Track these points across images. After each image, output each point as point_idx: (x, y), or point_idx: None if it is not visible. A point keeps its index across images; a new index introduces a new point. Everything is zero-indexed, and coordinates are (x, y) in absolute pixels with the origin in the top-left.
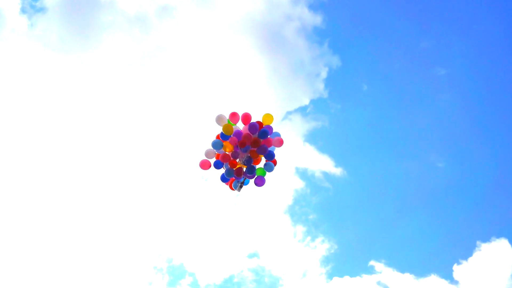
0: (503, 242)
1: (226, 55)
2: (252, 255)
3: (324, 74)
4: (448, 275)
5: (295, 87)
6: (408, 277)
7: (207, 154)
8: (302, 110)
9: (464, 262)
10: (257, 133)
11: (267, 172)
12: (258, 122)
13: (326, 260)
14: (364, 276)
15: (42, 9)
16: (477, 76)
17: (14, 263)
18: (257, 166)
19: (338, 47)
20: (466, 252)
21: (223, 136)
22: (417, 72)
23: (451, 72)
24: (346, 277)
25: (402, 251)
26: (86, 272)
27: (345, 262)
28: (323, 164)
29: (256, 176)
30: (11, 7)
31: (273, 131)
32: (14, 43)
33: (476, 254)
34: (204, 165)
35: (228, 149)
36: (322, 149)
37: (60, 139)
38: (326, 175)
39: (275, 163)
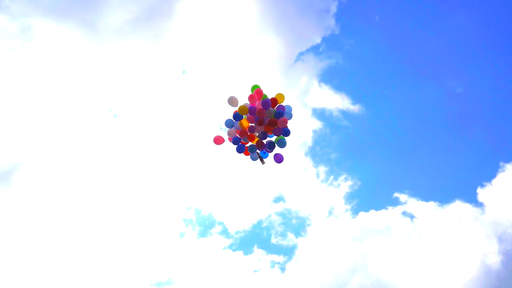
0: None
1: (230, 0)
2: (278, 199)
3: (333, 8)
4: (472, 199)
5: (305, 26)
6: (432, 205)
7: (230, 133)
8: (314, 49)
9: (487, 184)
10: (273, 112)
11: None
12: (272, 99)
13: (350, 197)
14: (389, 208)
15: None
16: None
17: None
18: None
19: None
20: (490, 174)
21: (237, 117)
22: None
23: None
24: (372, 211)
25: (424, 180)
26: (118, 229)
27: (369, 197)
28: (340, 102)
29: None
30: None
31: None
32: (17, 11)
33: (500, 176)
34: (218, 140)
35: (245, 125)
36: (338, 87)
37: (74, 102)
38: (344, 113)
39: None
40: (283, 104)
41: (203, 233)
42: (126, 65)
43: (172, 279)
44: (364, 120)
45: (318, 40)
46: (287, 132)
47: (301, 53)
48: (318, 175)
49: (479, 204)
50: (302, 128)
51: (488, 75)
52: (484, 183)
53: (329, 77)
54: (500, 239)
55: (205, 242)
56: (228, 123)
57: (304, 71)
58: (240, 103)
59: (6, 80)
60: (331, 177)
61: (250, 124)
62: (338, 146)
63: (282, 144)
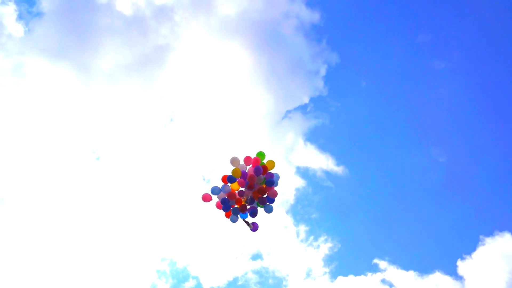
0: (507, 236)
1: (223, 54)
2: (255, 257)
3: (323, 71)
4: (452, 271)
5: (295, 85)
6: (412, 274)
7: (219, 195)
8: (302, 109)
9: (467, 257)
10: (263, 179)
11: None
12: (263, 167)
13: (329, 259)
14: (368, 274)
15: (39, 14)
16: (477, 69)
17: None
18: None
19: (336, 44)
20: (470, 247)
21: (230, 179)
22: (416, 67)
23: (450, 66)
24: (351, 276)
25: (405, 248)
26: (90, 275)
27: (349, 261)
28: (324, 162)
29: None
30: (7, 13)
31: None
32: (12, 49)
33: (480, 249)
34: (206, 198)
35: (236, 188)
36: (323, 147)
37: (60, 141)
38: (327, 174)
39: (275, 195)
40: (272, 171)
41: (175, 287)
42: (114, 109)
43: None
44: (347, 182)
45: (306, 99)
46: (272, 201)
47: (289, 111)
48: (298, 234)
49: (458, 277)
50: (285, 186)
51: (472, 146)
52: (464, 256)
53: (314, 137)
54: None
55: None
56: (214, 190)
57: (290, 129)
58: (235, 163)
59: None
60: (311, 238)
61: (240, 189)
62: (320, 206)
63: (270, 210)
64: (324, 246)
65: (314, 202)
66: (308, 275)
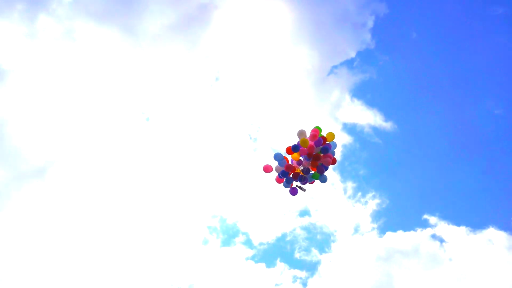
0: None
1: (267, 10)
2: (303, 213)
3: (370, 23)
4: (507, 226)
5: (340, 39)
6: (463, 230)
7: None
8: (348, 64)
9: None
10: (320, 146)
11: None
12: (322, 137)
13: (378, 215)
14: (418, 230)
15: None
16: None
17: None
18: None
19: None
20: None
21: (295, 148)
22: (471, 13)
23: (509, 11)
24: (400, 232)
25: (457, 203)
26: (145, 230)
27: (397, 217)
28: (371, 118)
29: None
30: None
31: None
32: (62, 14)
33: None
34: (267, 169)
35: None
36: (370, 103)
37: (110, 103)
38: (375, 129)
39: (334, 161)
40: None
41: (226, 242)
42: (161, 70)
43: (193, 285)
44: (395, 137)
45: (352, 54)
46: (326, 168)
47: (335, 67)
48: (345, 191)
49: None
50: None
51: None
52: None
53: (361, 92)
54: None
55: (228, 251)
56: (277, 156)
57: (336, 85)
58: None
59: (49, 80)
60: (359, 194)
61: (299, 158)
62: (368, 162)
63: (324, 180)
64: (372, 202)
65: (362, 159)
66: (356, 230)
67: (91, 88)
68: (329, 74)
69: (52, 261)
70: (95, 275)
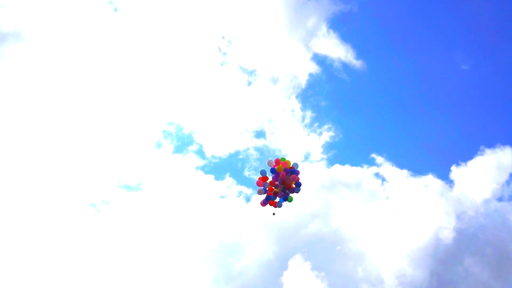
0: (507, 150)
1: None
2: (259, 135)
3: None
4: (445, 175)
5: None
6: (405, 173)
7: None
8: None
9: (463, 164)
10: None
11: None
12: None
13: (329, 147)
14: (365, 166)
15: None
16: None
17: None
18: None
19: None
20: (468, 155)
21: (272, 170)
22: None
23: None
24: (347, 166)
25: (404, 148)
26: (97, 124)
27: (347, 151)
28: (344, 54)
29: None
30: None
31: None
32: None
33: (478, 159)
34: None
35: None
36: (345, 37)
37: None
38: (345, 65)
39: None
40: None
41: (179, 149)
42: None
43: (141, 185)
44: (362, 77)
45: None
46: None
47: None
48: (303, 119)
49: (449, 181)
50: (299, 70)
51: (498, 56)
52: (460, 163)
53: (339, 25)
54: (459, 218)
55: (179, 158)
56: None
57: (315, 11)
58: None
59: None
60: (316, 124)
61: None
62: (330, 96)
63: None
64: (327, 134)
65: (325, 91)
66: (306, 158)
67: None
68: None
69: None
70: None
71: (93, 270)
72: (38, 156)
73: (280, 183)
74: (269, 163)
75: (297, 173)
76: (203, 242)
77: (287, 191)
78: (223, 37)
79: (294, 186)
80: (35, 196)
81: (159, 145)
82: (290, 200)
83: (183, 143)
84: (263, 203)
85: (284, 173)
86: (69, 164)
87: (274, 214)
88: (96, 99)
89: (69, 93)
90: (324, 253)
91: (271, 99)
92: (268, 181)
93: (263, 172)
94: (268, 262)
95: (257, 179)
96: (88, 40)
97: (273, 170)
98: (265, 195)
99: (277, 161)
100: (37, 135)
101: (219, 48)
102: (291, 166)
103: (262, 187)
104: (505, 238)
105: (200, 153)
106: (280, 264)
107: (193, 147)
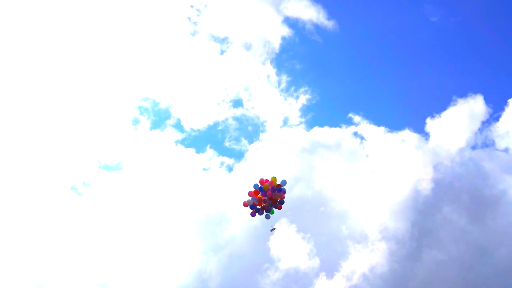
0: (479, 98)
1: None
2: (237, 104)
3: None
4: (420, 128)
5: None
6: (382, 130)
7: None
8: None
9: (437, 116)
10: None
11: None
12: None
13: (307, 110)
14: (343, 126)
15: None
16: None
17: None
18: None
19: None
20: (441, 106)
21: (260, 189)
22: None
23: None
24: (326, 127)
25: (380, 105)
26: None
27: (325, 113)
28: (315, 15)
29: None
30: None
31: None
32: None
33: (451, 109)
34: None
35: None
36: None
37: None
38: (317, 27)
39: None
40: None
41: (157, 124)
42: None
43: (121, 164)
44: (335, 37)
45: None
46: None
47: None
48: (279, 84)
49: (425, 134)
50: (271, 34)
51: (466, 7)
52: (434, 114)
53: None
54: (436, 168)
55: (158, 133)
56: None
57: None
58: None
59: None
60: (292, 88)
61: (264, 198)
62: (305, 58)
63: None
64: (303, 97)
65: (299, 54)
66: (285, 123)
67: None
68: None
69: None
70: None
71: (80, 254)
72: (15, 146)
73: (268, 199)
74: (261, 182)
75: (284, 191)
76: (190, 215)
77: (272, 205)
78: (191, 6)
79: (278, 201)
80: (16, 185)
81: (136, 122)
82: (272, 212)
83: (160, 118)
84: (252, 215)
85: (271, 191)
86: (47, 149)
87: (273, 229)
88: (66, 80)
89: (42, 76)
90: (309, 215)
91: (246, 66)
92: (258, 195)
93: (255, 186)
94: (254, 229)
95: (249, 192)
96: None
97: (260, 188)
98: (253, 206)
99: (263, 182)
100: (13, 124)
101: (189, 18)
102: (277, 184)
103: (251, 199)
104: (480, 184)
105: (179, 127)
106: (266, 230)
107: (171, 121)
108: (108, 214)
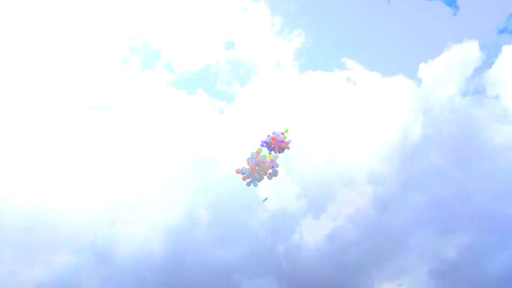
0: (474, 44)
1: None
2: (229, 46)
3: None
4: (413, 74)
5: None
6: (376, 75)
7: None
8: None
9: (430, 61)
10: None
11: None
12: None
13: (300, 53)
14: (336, 71)
15: None
16: None
17: None
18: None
19: None
20: (435, 52)
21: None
22: None
23: None
24: (319, 71)
25: (374, 50)
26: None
27: (319, 57)
28: None
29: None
30: None
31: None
32: None
33: (445, 54)
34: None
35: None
36: None
37: None
38: None
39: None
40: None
41: (147, 65)
42: None
43: (112, 104)
44: None
45: None
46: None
47: None
48: (273, 26)
49: (417, 79)
50: None
51: None
52: (427, 60)
53: None
54: (425, 114)
55: (149, 73)
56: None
57: None
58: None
59: None
60: (286, 30)
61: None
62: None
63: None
64: (297, 40)
65: None
66: (277, 66)
67: None
68: None
69: None
70: None
71: (68, 195)
72: (4, 87)
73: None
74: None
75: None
76: (180, 157)
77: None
78: None
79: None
80: (6, 127)
81: (126, 61)
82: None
83: (150, 58)
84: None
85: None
86: (37, 88)
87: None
88: (54, 19)
89: (29, 15)
90: (298, 158)
91: (238, 7)
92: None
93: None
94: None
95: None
96: None
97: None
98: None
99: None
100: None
101: None
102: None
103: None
104: (467, 131)
105: (170, 68)
106: None
107: (162, 62)
108: (98, 154)
